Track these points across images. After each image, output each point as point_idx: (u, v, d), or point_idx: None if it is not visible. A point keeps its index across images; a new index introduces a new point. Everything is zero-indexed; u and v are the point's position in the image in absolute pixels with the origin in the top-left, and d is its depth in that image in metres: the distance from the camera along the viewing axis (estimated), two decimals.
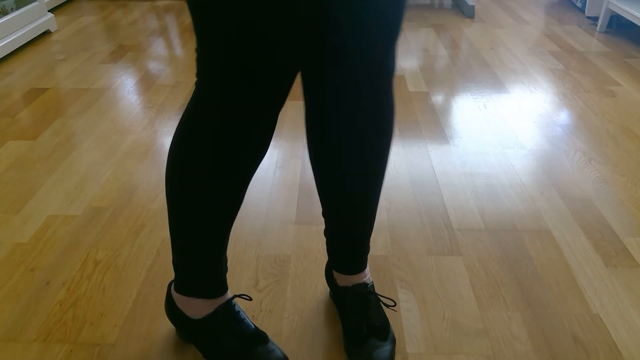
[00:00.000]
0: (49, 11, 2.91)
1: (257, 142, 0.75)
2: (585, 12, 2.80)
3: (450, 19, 2.88)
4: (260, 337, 0.87)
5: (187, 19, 2.88)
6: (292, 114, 1.81)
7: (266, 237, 1.24)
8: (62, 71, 2.18)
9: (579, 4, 2.97)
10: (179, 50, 2.41)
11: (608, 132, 1.69)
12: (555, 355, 0.94)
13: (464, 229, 1.26)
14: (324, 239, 1.22)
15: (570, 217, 1.30)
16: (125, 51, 2.41)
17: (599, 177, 1.46)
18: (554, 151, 1.59)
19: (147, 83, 2.07)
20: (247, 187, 0.81)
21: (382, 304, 0.96)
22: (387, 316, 0.99)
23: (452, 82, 2.08)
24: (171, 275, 1.12)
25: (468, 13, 2.91)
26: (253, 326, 0.89)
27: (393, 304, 1.01)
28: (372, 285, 0.97)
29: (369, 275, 0.97)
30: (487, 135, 1.68)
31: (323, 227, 1.26)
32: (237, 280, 1.11)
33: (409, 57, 2.33)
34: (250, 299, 0.90)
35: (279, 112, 0.76)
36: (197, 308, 0.88)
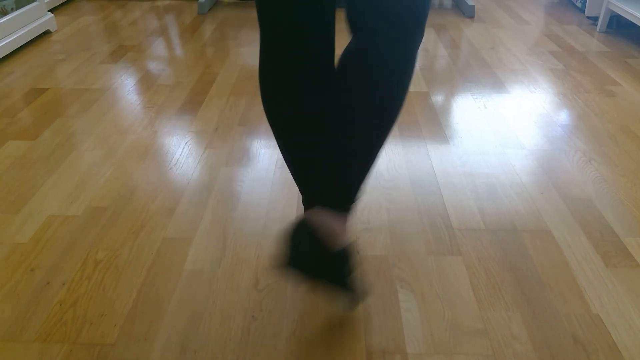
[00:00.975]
0: (49, 11, 2.91)
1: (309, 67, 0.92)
2: (585, 12, 2.80)
3: (450, 18, 2.88)
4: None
5: (187, 18, 2.88)
6: None
7: (266, 237, 1.24)
8: (62, 71, 2.18)
9: (579, 4, 2.97)
10: (179, 50, 2.41)
11: (608, 132, 1.69)
12: (555, 355, 0.94)
13: (464, 229, 1.26)
14: None
15: (570, 217, 1.30)
16: (125, 51, 2.41)
17: (599, 177, 1.46)
18: (554, 151, 1.59)
19: (147, 83, 2.07)
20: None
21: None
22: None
23: (452, 82, 2.08)
24: (171, 274, 1.13)
25: (468, 13, 2.91)
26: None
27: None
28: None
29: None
30: (487, 135, 1.68)
31: None
32: (237, 280, 1.11)
33: None
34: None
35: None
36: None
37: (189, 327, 1.01)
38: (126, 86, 2.05)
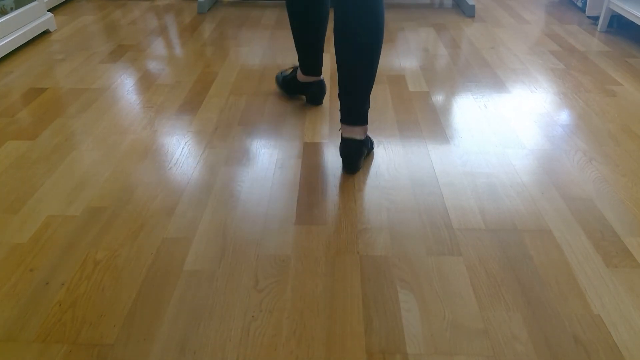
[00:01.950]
0: (48, 11, 2.91)
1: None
2: (586, 11, 2.80)
3: (450, 18, 2.88)
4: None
5: (187, 18, 2.88)
6: (292, 115, 1.81)
7: (266, 237, 1.24)
8: (61, 71, 2.18)
9: (579, 4, 2.96)
10: (178, 50, 2.41)
11: (609, 132, 1.69)
12: (555, 355, 0.94)
13: (464, 229, 1.26)
14: (324, 239, 1.22)
15: (570, 217, 1.30)
16: (125, 51, 2.40)
17: (599, 177, 1.46)
18: (555, 151, 1.59)
19: (146, 83, 2.07)
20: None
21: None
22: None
23: (453, 81, 2.07)
24: (170, 274, 1.12)
25: (468, 12, 2.91)
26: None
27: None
28: (365, 141, 1.49)
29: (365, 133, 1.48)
30: (487, 134, 1.68)
31: (323, 227, 1.26)
32: (237, 280, 1.11)
33: (409, 56, 2.33)
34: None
35: None
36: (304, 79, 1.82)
37: (189, 327, 1.00)
38: (125, 86, 2.04)
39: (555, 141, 1.64)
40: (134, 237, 1.23)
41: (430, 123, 1.75)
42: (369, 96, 1.43)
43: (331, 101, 1.90)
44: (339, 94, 1.44)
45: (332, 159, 1.55)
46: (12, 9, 2.34)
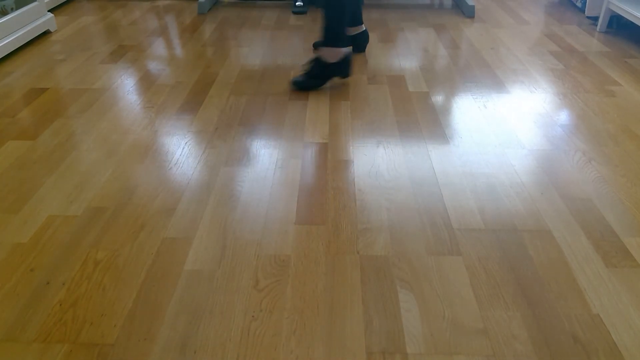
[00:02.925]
0: (48, 11, 2.91)
1: None
2: (586, 12, 2.80)
3: (450, 18, 2.88)
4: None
5: (187, 18, 2.88)
6: (292, 115, 1.81)
7: (266, 237, 1.24)
8: (62, 71, 2.18)
9: (579, 4, 2.97)
10: (179, 50, 2.41)
11: (608, 132, 1.69)
12: (555, 355, 0.94)
13: (464, 229, 1.26)
14: (324, 239, 1.23)
15: (570, 217, 1.30)
16: (125, 51, 2.41)
17: (599, 177, 1.46)
18: (554, 151, 1.59)
19: (147, 83, 2.07)
20: None
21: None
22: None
23: (452, 82, 2.08)
24: (171, 274, 1.13)
25: (468, 13, 2.91)
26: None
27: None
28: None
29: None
30: (487, 135, 1.68)
31: (323, 227, 1.27)
32: (237, 280, 1.11)
33: (409, 57, 2.33)
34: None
35: None
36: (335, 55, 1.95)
37: (189, 327, 1.01)
38: (126, 86, 2.05)
39: (555, 141, 1.64)
40: (135, 237, 1.24)
41: (430, 123, 1.75)
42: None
43: (331, 101, 1.90)
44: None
45: (332, 159, 1.55)
46: (12, 10, 2.34)
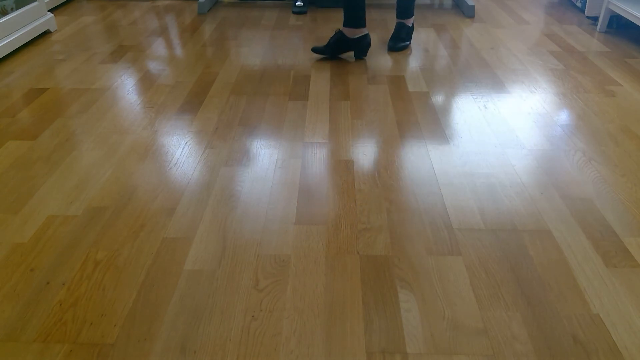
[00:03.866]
0: (48, 11, 2.91)
1: None
2: (585, 12, 2.80)
3: (450, 19, 2.88)
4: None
5: (187, 18, 2.88)
6: (292, 115, 1.81)
7: (266, 237, 1.24)
8: (62, 71, 2.18)
9: (579, 4, 2.97)
10: (179, 50, 2.41)
11: (608, 132, 1.69)
12: (555, 355, 0.94)
13: (464, 229, 1.26)
14: (324, 239, 1.23)
15: (570, 217, 1.30)
16: (125, 51, 2.41)
17: (599, 177, 1.46)
18: (554, 151, 1.59)
19: (147, 83, 2.07)
20: None
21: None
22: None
23: (452, 82, 2.08)
24: (171, 274, 1.13)
25: (468, 13, 2.91)
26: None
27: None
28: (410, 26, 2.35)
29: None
30: (487, 135, 1.68)
31: (322, 227, 1.27)
32: (237, 280, 1.11)
33: (409, 57, 2.33)
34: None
35: None
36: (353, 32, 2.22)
37: (189, 327, 1.01)
38: (126, 86, 2.05)
39: (555, 141, 1.64)
40: (135, 237, 1.24)
41: (430, 123, 1.75)
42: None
43: (331, 101, 1.90)
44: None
45: (332, 159, 1.55)
46: (12, 10, 2.34)
